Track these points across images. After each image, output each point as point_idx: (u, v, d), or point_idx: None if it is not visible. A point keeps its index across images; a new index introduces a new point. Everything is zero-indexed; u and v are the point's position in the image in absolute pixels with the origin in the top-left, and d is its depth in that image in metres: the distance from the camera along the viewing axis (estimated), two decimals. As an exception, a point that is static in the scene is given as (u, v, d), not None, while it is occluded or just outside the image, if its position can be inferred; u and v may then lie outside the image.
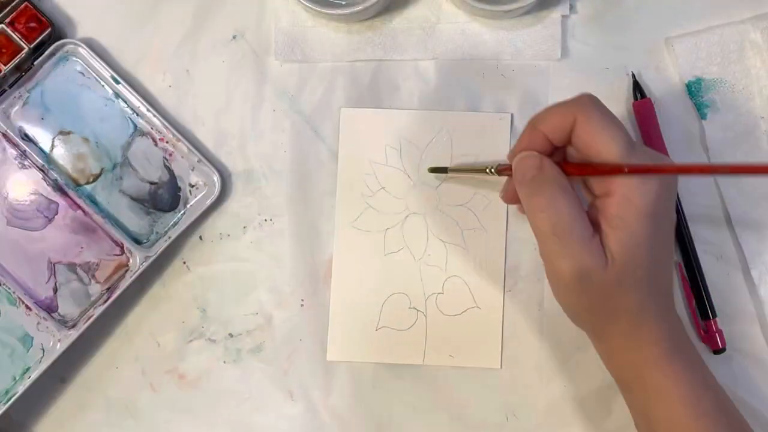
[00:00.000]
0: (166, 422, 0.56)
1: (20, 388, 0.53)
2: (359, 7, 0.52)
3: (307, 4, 0.52)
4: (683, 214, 0.54)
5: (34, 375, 0.53)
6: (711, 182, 0.55)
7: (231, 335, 0.56)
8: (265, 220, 0.56)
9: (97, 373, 0.56)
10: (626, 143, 0.43)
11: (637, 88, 0.54)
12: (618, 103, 0.55)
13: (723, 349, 0.53)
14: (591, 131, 0.43)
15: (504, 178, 0.51)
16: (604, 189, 0.44)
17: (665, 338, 0.45)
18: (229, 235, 0.56)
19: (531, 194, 0.45)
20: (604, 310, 0.45)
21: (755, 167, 0.38)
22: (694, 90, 0.55)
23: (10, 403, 0.53)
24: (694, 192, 0.55)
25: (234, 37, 0.56)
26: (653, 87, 0.55)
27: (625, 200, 0.43)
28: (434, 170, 0.55)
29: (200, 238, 0.56)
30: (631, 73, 0.55)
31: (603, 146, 0.43)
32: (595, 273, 0.43)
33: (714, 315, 0.54)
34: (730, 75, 0.55)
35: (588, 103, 0.44)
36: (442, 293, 0.55)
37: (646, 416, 0.46)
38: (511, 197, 0.50)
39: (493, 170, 0.50)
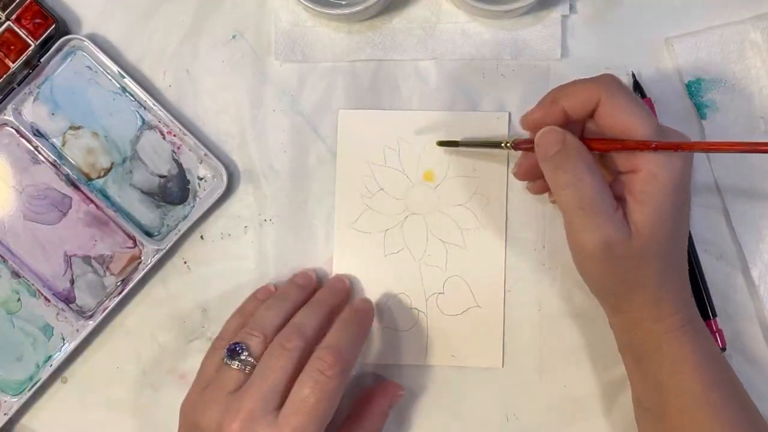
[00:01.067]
0: (166, 422, 0.56)
1: (43, 375, 0.55)
2: (359, 7, 0.52)
3: (307, 4, 0.52)
4: (683, 214, 0.54)
5: (56, 363, 0.55)
6: (711, 182, 0.55)
7: (231, 335, 0.56)
8: (266, 220, 0.56)
9: (98, 373, 0.57)
10: (656, 125, 0.45)
11: (638, 88, 0.54)
12: (618, 102, 0.55)
13: (723, 349, 0.53)
14: (618, 113, 0.45)
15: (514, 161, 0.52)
16: (629, 166, 0.45)
17: (683, 308, 0.47)
18: (230, 235, 0.57)
19: (555, 169, 0.46)
20: (627, 281, 0.46)
21: None
22: (694, 90, 0.55)
23: (35, 388, 0.55)
24: (695, 192, 0.55)
25: (234, 37, 0.57)
26: (653, 87, 0.55)
27: (651, 176, 0.44)
28: (443, 143, 0.55)
29: (201, 237, 0.57)
30: (631, 73, 0.55)
31: (632, 127, 0.45)
32: (619, 245, 0.44)
33: (714, 315, 0.54)
34: (730, 75, 0.55)
35: (612, 84, 0.46)
36: (443, 293, 0.55)
37: (657, 385, 0.47)
38: (524, 173, 0.51)
39: (509, 144, 0.50)
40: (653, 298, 0.46)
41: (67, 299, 0.56)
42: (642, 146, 0.44)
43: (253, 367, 0.47)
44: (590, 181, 0.45)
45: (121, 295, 0.55)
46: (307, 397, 0.45)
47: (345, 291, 0.55)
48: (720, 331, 0.53)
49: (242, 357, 0.48)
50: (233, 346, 0.48)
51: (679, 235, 0.47)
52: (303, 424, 0.45)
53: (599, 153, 0.47)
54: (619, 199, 0.46)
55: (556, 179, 0.46)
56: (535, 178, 0.52)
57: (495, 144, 0.52)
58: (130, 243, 0.56)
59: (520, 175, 0.52)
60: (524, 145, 0.49)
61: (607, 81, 0.46)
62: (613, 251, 0.45)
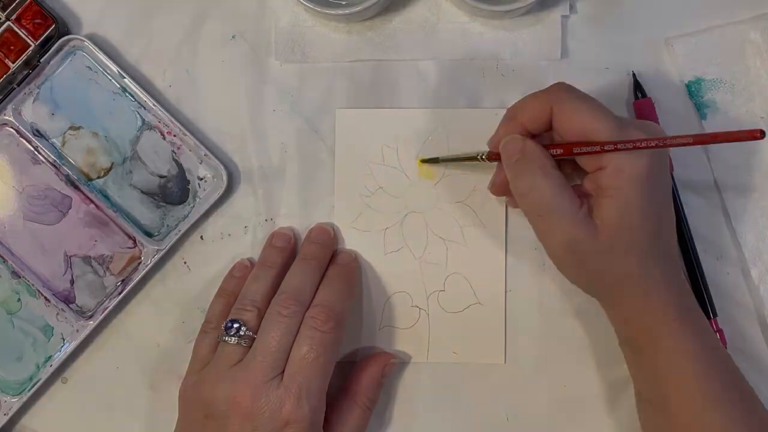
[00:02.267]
0: (166, 422, 0.56)
1: (43, 375, 0.55)
2: (359, 7, 0.52)
3: (307, 4, 0.52)
4: (684, 214, 0.54)
5: (56, 363, 0.55)
6: (711, 182, 0.55)
7: (231, 335, 0.56)
8: (266, 220, 0.56)
9: (98, 373, 0.57)
10: (612, 122, 0.44)
11: (638, 88, 0.54)
12: (618, 102, 0.55)
13: (723, 349, 0.53)
14: (571, 118, 0.45)
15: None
16: (596, 164, 0.46)
17: (675, 301, 0.46)
18: (230, 235, 0.57)
19: (515, 178, 0.47)
20: (607, 278, 0.46)
21: (729, 134, 0.41)
22: (694, 90, 0.55)
23: (35, 388, 0.55)
24: (695, 192, 0.55)
25: (234, 37, 0.57)
26: (653, 87, 0.55)
27: (618, 170, 0.44)
28: (426, 161, 0.55)
29: (201, 237, 0.57)
30: (631, 73, 0.55)
31: (589, 129, 0.45)
32: (584, 243, 0.45)
33: (714, 315, 0.54)
34: (730, 75, 0.55)
35: (561, 91, 0.46)
36: (444, 290, 0.55)
37: (656, 377, 0.47)
38: (498, 188, 0.51)
39: (484, 156, 0.51)
40: (639, 292, 0.46)
41: (67, 299, 0.56)
42: (600, 150, 0.44)
43: (252, 340, 0.49)
44: (546, 186, 0.45)
45: (121, 295, 0.55)
46: (307, 353, 0.47)
47: (331, 242, 0.55)
48: (720, 331, 0.53)
49: (240, 333, 0.49)
50: (229, 324, 0.49)
51: (660, 226, 0.46)
52: (308, 379, 0.47)
53: (567, 157, 0.47)
54: (591, 198, 0.46)
55: (515, 187, 0.47)
56: (509, 192, 0.51)
57: (472, 157, 0.52)
58: (130, 243, 0.56)
59: (495, 190, 0.52)
60: (496, 157, 0.50)
61: (557, 90, 0.47)
62: (579, 249, 0.45)
